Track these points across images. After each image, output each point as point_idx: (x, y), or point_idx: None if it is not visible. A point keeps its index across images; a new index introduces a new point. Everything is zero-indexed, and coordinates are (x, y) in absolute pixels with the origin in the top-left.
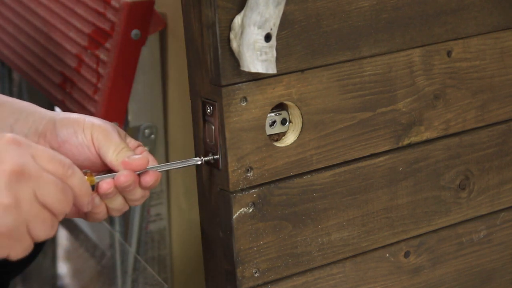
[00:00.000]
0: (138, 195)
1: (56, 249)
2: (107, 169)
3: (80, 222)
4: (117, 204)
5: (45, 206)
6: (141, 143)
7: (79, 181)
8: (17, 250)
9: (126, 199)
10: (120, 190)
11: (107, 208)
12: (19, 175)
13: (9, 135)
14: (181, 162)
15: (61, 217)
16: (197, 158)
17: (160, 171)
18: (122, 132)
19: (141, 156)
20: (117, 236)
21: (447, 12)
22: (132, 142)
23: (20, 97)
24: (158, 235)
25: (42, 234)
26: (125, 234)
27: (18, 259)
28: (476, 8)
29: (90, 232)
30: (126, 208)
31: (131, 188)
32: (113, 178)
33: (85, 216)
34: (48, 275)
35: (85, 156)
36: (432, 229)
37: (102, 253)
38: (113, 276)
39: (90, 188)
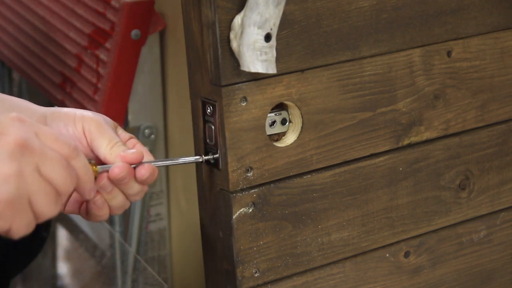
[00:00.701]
0: (135, 189)
1: (56, 249)
2: (100, 163)
3: (80, 222)
4: (119, 202)
5: (48, 181)
6: (132, 135)
7: (83, 165)
8: (19, 224)
9: (126, 195)
10: (116, 183)
11: (110, 207)
12: (23, 148)
13: (14, 114)
14: (181, 158)
15: (64, 197)
16: (198, 156)
17: (160, 166)
18: (113, 123)
19: (136, 151)
20: (117, 236)
21: (447, 12)
22: (123, 134)
23: (20, 97)
24: (158, 235)
25: (45, 209)
26: (125, 234)
27: (20, 253)
28: (476, 8)
29: (90, 232)
30: (128, 205)
31: (126, 180)
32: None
33: (88, 216)
34: (48, 275)
35: None
36: (432, 229)
37: (102, 253)
38: (113, 276)
39: (93, 174)
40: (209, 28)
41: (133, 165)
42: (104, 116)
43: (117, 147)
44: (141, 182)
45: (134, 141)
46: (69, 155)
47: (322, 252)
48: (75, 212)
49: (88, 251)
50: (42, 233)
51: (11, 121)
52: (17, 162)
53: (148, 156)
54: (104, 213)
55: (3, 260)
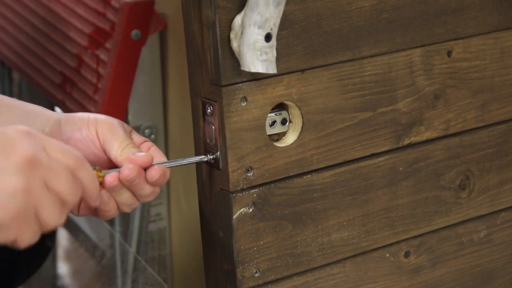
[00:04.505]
0: (147, 190)
1: (56, 249)
2: (113, 165)
3: (80, 222)
4: (125, 199)
5: (55, 193)
6: (147, 139)
7: (89, 174)
8: (25, 234)
9: (135, 195)
10: (126, 184)
11: (117, 204)
12: (31, 163)
13: (21, 127)
14: (186, 159)
15: (69, 207)
16: (202, 155)
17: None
18: (128, 127)
19: (145, 153)
20: (117, 236)
21: (447, 12)
22: (137, 137)
23: (20, 97)
24: (158, 235)
25: (51, 219)
26: (125, 234)
27: (25, 263)
28: (476, 8)
29: (90, 232)
30: (137, 204)
31: (137, 182)
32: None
33: (96, 213)
34: (48, 275)
35: (90, 151)
36: (432, 229)
37: (102, 253)
38: (113, 276)
39: (98, 182)
40: (209, 28)
41: (145, 167)
42: (119, 120)
43: (127, 149)
44: (152, 184)
45: (148, 144)
46: (75, 165)
47: (322, 252)
48: (85, 213)
49: (88, 251)
50: (47, 243)
51: (19, 134)
52: (25, 176)
53: (161, 158)
54: (110, 208)
55: (8, 269)
